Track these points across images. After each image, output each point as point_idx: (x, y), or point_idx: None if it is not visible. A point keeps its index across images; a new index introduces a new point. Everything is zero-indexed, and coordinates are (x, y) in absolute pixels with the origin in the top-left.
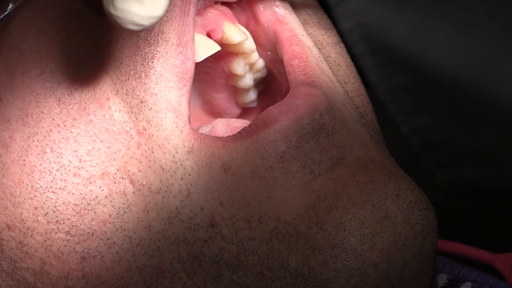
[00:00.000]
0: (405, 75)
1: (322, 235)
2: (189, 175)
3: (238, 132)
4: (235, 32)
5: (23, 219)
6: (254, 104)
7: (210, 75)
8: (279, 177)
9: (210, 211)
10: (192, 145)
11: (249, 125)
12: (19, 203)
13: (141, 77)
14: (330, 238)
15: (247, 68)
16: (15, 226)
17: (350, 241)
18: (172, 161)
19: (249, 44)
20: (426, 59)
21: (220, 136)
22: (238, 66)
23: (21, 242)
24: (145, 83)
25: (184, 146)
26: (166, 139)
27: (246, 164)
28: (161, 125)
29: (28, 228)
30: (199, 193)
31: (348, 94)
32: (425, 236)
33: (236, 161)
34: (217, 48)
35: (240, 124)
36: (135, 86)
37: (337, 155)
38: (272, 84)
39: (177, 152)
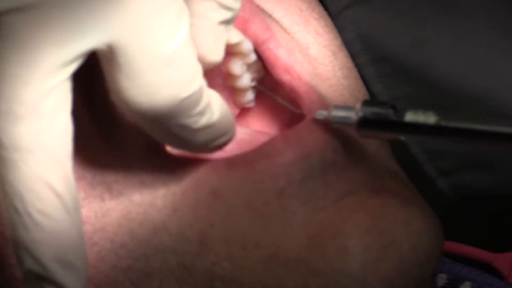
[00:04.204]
0: (407, 84)
1: (323, 259)
2: (173, 194)
3: (233, 159)
4: (232, 33)
5: None
6: (252, 104)
7: (207, 75)
8: (276, 213)
9: (200, 230)
10: (174, 166)
11: (248, 153)
12: None
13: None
14: (332, 263)
15: (245, 68)
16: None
17: (352, 267)
18: (152, 178)
19: (247, 44)
20: (428, 68)
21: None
22: (236, 66)
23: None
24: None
25: (164, 166)
26: (142, 156)
27: (240, 195)
28: (135, 142)
29: None
30: (186, 211)
31: None
32: (429, 264)
33: (228, 190)
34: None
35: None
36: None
37: (346, 188)
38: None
39: (156, 171)
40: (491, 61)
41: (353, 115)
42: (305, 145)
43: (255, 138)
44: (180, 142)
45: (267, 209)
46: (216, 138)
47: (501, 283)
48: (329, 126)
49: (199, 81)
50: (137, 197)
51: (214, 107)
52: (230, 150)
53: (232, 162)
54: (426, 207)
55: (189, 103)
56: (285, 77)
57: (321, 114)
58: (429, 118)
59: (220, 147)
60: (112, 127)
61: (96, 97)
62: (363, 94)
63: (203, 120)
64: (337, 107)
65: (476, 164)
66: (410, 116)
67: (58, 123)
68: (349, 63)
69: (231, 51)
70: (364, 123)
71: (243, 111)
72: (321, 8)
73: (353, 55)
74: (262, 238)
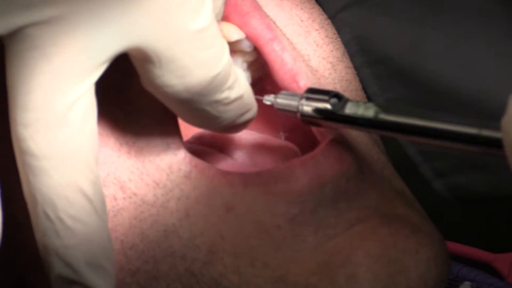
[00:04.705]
0: (404, 85)
1: (333, 286)
2: (187, 198)
3: (248, 176)
4: (232, 30)
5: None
6: None
7: None
8: (287, 238)
9: (210, 239)
10: (190, 171)
11: (264, 173)
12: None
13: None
14: None
15: (245, 66)
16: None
17: None
18: (167, 179)
19: (247, 42)
20: (424, 69)
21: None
22: (236, 64)
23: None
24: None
25: (180, 169)
26: (158, 156)
27: (252, 213)
28: (150, 141)
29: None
30: (198, 218)
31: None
32: None
33: (240, 206)
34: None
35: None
36: (119, 98)
37: (357, 216)
38: (270, 83)
39: (172, 172)
40: (487, 62)
41: (296, 103)
42: (321, 174)
43: (255, 139)
44: (210, 120)
45: (277, 233)
46: (243, 113)
47: (501, 283)
48: (344, 152)
49: (227, 57)
50: (151, 197)
51: (241, 81)
52: (230, 150)
53: (247, 179)
54: (434, 233)
55: (220, 79)
56: (291, 86)
57: (268, 99)
58: (368, 111)
59: (244, 124)
60: (128, 124)
61: (109, 92)
62: None
63: (234, 94)
64: (283, 94)
65: (472, 165)
66: (350, 108)
67: (87, 129)
68: (348, 75)
69: (231, 48)
70: (305, 112)
71: None
72: (322, 17)
73: (349, 57)
74: (271, 260)
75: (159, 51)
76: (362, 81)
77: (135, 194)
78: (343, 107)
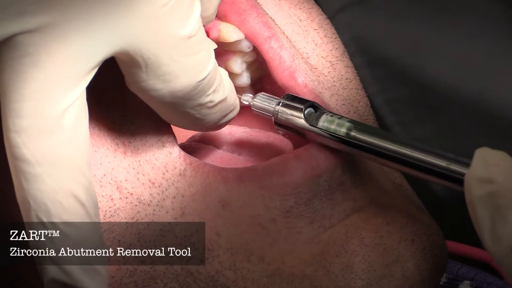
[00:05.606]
0: (403, 86)
1: (328, 277)
2: (182, 196)
3: (243, 171)
4: (232, 31)
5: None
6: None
7: None
8: (282, 231)
9: (206, 237)
10: (185, 169)
11: (259, 168)
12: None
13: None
14: (336, 280)
15: (244, 67)
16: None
17: (356, 284)
18: (163, 178)
19: (246, 43)
20: (424, 69)
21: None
22: (235, 65)
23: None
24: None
25: (175, 168)
26: (153, 155)
27: (247, 208)
28: (146, 140)
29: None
30: (194, 216)
31: None
32: (432, 281)
33: (236, 202)
34: (214, 45)
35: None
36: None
37: (353, 206)
38: (270, 83)
39: (167, 171)
40: (485, 62)
41: (272, 108)
42: (316, 166)
43: (253, 136)
44: (195, 122)
45: (273, 226)
46: (227, 113)
47: (500, 282)
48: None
49: (213, 61)
50: (147, 197)
51: (225, 83)
52: (228, 148)
53: (242, 174)
54: (431, 223)
55: (205, 84)
56: (289, 83)
57: (246, 99)
58: (340, 127)
59: (227, 122)
60: (124, 124)
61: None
62: (363, 104)
63: (218, 97)
64: (261, 96)
65: None
66: (323, 121)
67: (79, 134)
68: (348, 74)
69: (230, 49)
70: (279, 118)
71: (241, 110)
72: (321, 17)
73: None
74: (267, 253)
75: (147, 56)
76: (361, 81)
77: (131, 194)
78: (317, 118)
